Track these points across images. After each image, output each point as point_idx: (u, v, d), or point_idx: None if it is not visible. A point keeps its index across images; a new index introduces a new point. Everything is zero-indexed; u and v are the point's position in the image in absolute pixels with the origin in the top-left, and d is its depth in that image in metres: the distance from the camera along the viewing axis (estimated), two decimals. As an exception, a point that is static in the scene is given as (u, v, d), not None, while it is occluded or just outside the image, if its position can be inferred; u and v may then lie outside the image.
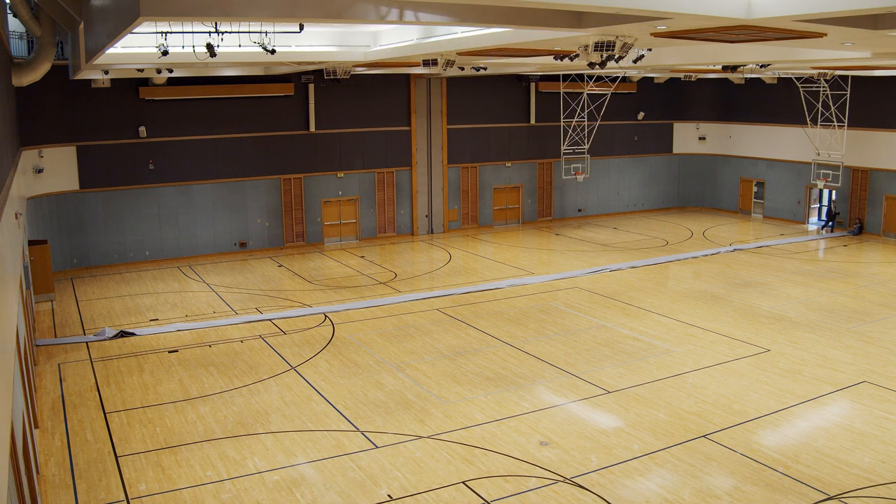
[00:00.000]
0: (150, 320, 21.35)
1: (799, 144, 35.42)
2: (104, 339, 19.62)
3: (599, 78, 33.42)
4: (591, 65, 14.36)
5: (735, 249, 29.88)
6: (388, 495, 11.81)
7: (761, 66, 24.70)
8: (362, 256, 29.35)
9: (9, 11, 18.43)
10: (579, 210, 37.81)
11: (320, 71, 26.09)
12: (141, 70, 23.83)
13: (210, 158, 29.46)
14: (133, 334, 20.00)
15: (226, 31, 15.31)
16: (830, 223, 33.93)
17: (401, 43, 19.10)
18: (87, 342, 19.57)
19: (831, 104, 32.34)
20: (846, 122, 32.03)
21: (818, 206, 35.82)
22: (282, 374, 17.12)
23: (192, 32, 16.23)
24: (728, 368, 17.20)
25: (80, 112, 27.10)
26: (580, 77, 33.89)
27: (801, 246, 30.56)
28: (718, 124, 39.44)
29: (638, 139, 39.04)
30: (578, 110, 34.45)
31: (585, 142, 34.75)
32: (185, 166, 29.00)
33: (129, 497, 11.89)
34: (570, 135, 34.75)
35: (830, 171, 32.36)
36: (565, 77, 33.97)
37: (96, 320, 21.45)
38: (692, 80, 36.99)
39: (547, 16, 11.66)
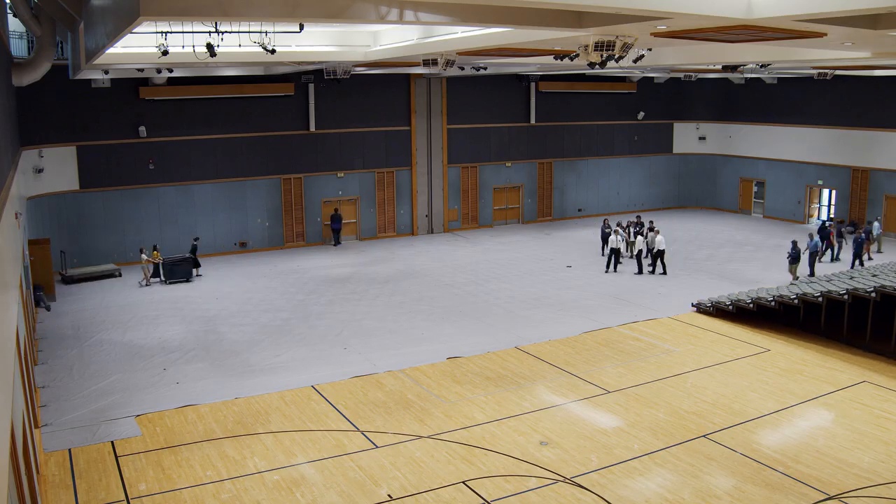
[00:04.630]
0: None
1: (799, 144, 35.45)
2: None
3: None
4: (591, 65, 14.36)
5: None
6: (388, 495, 11.81)
7: (761, 66, 24.71)
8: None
9: (9, 11, 18.42)
10: (579, 210, 37.81)
11: (320, 71, 26.08)
12: (141, 70, 23.82)
13: (210, 158, 29.45)
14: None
15: (226, 31, 15.31)
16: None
17: (401, 43, 19.10)
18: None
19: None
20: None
21: (818, 205, 35.85)
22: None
23: (192, 32, 16.22)
24: (728, 368, 17.20)
25: (80, 112, 27.08)
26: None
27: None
28: (718, 124, 39.43)
29: (638, 139, 39.04)
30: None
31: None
32: (185, 166, 28.99)
33: (129, 497, 11.89)
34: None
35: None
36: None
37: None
38: (692, 80, 37.00)
39: (547, 16, 11.67)
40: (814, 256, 25.53)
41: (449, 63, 19.17)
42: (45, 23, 17.50)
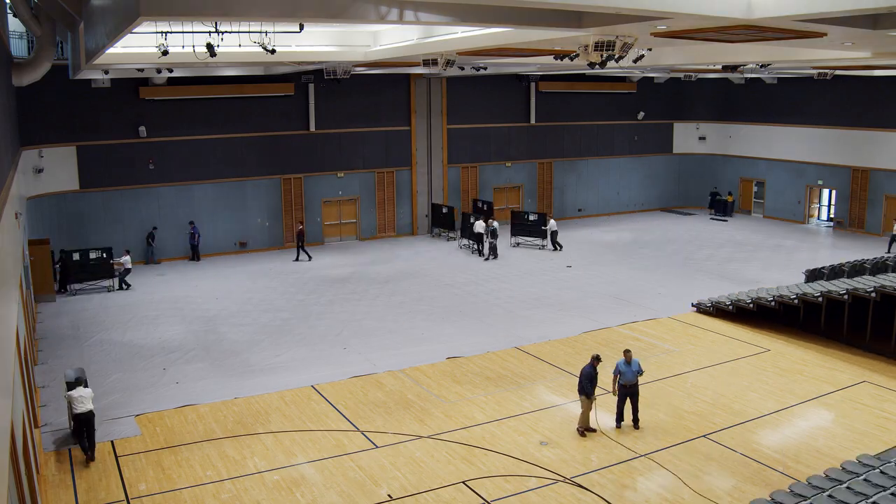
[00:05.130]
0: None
1: (799, 144, 35.44)
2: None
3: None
4: (591, 65, 14.36)
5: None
6: (388, 495, 11.81)
7: (761, 66, 24.71)
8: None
9: (9, 11, 18.42)
10: (579, 210, 37.79)
11: (320, 71, 26.08)
12: (141, 70, 23.82)
13: (210, 158, 29.44)
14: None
15: (226, 31, 15.30)
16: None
17: (401, 43, 19.10)
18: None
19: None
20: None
21: (818, 205, 35.87)
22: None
23: (192, 32, 16.21)
24: (728, 368, 17.21)
25: (80, 112, 27.08)
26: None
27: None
28: (718, 124, 39.43)
29: (638, 139, 39.03)
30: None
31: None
32: (185, 166, 28.98)
33: (129, 497, 11.89)
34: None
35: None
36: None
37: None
38: (692, 80, 37.00)
39: (547, 16, 11.67)
40: None
41: (449, 63, 19.17)
42: (45, 23, 17.49)
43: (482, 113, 34.69)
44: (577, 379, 14.10)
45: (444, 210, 32.61)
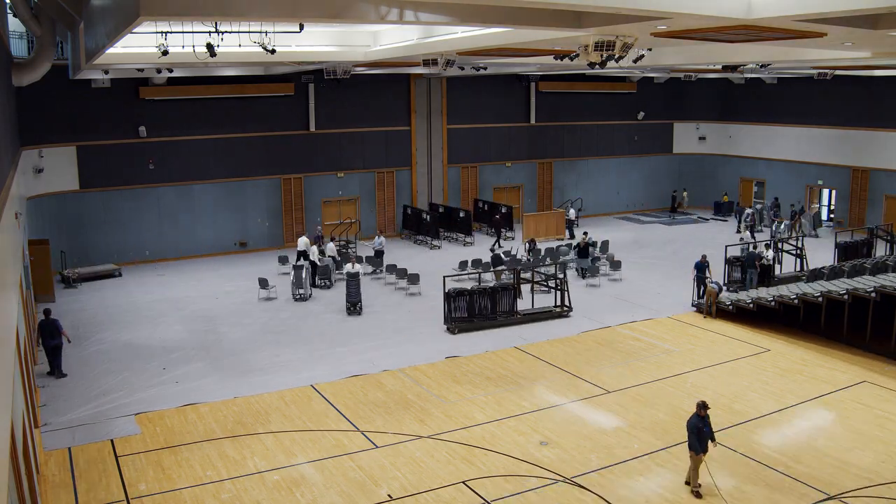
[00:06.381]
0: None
1: (799, 144, 35.43)
2: None
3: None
4: (591, 65, 14.37)
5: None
6: (388, 495, 11.81)
7: (761, 66, 24.72)
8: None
9: (9, 11, 18.41)
10: (579, 210, 37.75)
11: (320, 71, 26.09)
12: (141, 70, 23.82)
13: (210, 158, 29.44)
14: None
15: (226, 31, 15.30)
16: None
17: (401, 43, 19.10)
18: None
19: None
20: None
21: (818, 205, 35.87)
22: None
23: (192, 32, 16.21)
24: (728, 368, 17.20)
25: (80, 112, 27.07)
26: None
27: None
28: (718, 124, 39.42)
29: (638, 139, 39.02)
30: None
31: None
32: (185, 166, 28.98)
33: (129, 497, 11.88)
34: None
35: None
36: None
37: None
38: (692, 80, 37.00)
39: (547, 16, 11.67)
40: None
41: (449, 63, 19.18)
42: (45, 23, 17.49)
43: (482, 113, 34.69)
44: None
45: (442, 210, 32.62)
